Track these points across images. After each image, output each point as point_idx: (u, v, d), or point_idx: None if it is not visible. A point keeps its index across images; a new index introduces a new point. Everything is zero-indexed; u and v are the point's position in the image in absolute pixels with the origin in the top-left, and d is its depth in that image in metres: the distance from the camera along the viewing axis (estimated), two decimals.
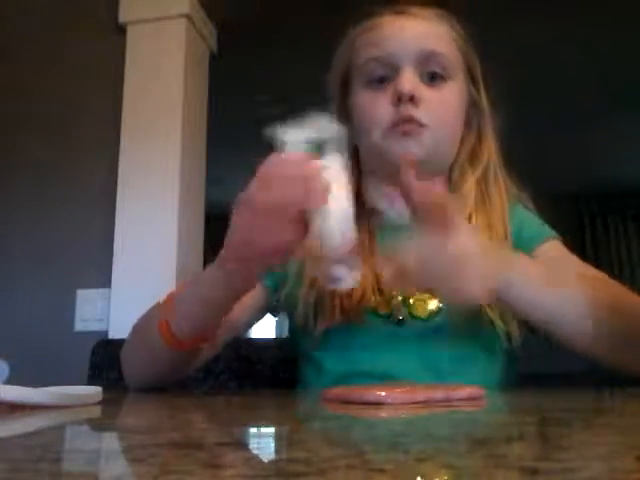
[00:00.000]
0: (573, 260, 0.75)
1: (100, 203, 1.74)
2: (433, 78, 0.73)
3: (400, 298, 0.72)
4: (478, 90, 0.80)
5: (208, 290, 0.63)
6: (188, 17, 1.80)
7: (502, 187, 0.78)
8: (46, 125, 1.84)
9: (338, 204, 0.52)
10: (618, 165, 4.10)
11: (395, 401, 0.45)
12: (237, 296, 0.64)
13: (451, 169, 0.79)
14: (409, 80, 0.71)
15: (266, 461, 0.22)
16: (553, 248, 0.76)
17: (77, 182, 1.77)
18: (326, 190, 0.52)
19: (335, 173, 0.54)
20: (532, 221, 0.79)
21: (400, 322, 0.71)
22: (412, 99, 0.71)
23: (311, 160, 0.53)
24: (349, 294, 0.70)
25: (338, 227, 0.52)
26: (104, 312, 1.65)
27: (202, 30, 1.91)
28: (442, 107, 0.74)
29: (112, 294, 1.65)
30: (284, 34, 2.37)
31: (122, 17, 1.82)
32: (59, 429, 0.36)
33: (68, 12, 1.90)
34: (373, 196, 0.78)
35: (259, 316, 0.81)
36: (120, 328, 1.61)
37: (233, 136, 3.37)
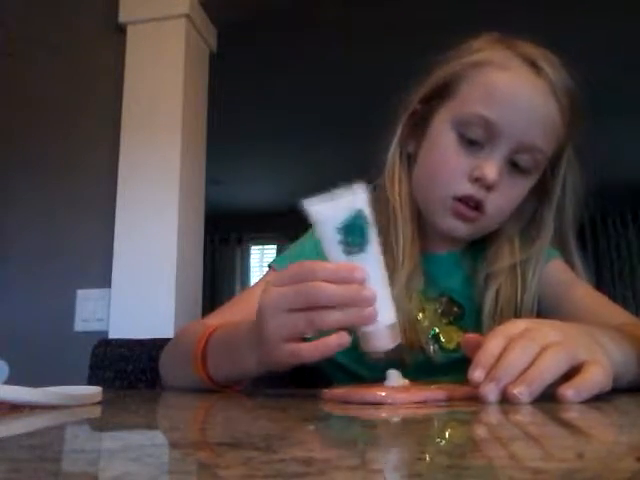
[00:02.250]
0: (576, 280, 0.76)
1: (100, 203, 1.74)
2: (515, 166, 0.70)
3: (432, 334, 0.74)
4: (554, 172, 0.75)
5: (240, 361, 0.58)
6: (188, 17, 1.80)
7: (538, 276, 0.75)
8: (46, 125, 1.84)
9: (383, 304, 0.49)
10: (618, 165, 4.10)
11: (395, 401, 0.45)
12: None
13: (489, 242, 0.77)
14: (496, 171, 0.68)
15: (266, 461, 0.22)
16: (557, 267, 0.77)
17: (77, 182, 1.77)
18: (373, 310, 0.47)
19: (374, 262, 0.49)
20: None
21: (429, 354, 0.73)
22: (489, 187, 0.69)
23: (355, 271, 0.48)
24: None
25: (385, 331, 0.49)
26: (104, 312, 1.65)
27: (202, 30, 1.91)
28: (510, 202, 0.72)
29: (112, 294, 1.65)
30: (284, 34, 2.37)
31: (122, 17, 1.82)
32: (59, 429, 0.36)
33: (68, 12, 1.90)
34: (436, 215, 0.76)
35: None
36: (120, 328, 1.61)
37: (233, 136, 3.37)
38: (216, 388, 0.63)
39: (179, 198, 1.68)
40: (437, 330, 0.74)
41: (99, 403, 0.49)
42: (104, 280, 1.67)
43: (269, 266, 0.82)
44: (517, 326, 0.47)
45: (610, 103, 3.10)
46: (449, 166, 0.70)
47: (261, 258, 5.47)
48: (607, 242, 4.78)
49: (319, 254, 0.76)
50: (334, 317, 0.47)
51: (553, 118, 0.69)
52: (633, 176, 4.30)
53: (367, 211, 0.49)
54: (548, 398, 0.43)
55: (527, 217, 0.77)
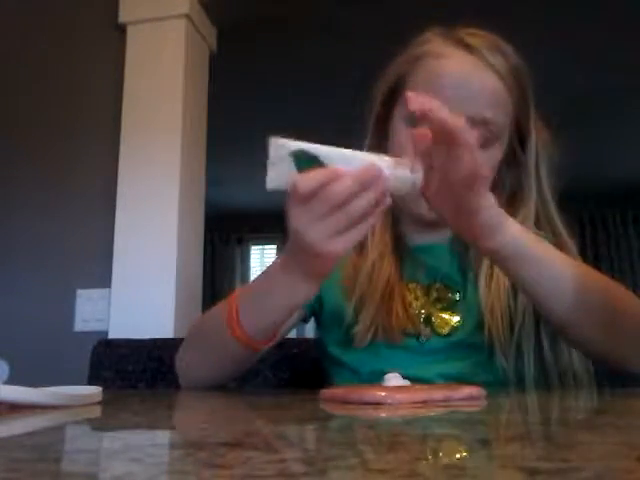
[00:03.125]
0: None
1: (100, 203, 1.74)
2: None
3: (423, 317, 0.76)
4: (524, 142, 0.78)
5: (277, 300, 0.63)
6: (188, 17, 1.80)
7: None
8: (46, 125, 1.84)
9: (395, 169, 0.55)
10: (618, 165, 4.10)
11: (395, 401, 0.45)
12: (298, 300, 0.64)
13: None
14: None
15: (266, 461, 0.22)
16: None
17: (77, 182, 1.78)
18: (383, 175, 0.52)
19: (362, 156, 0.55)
20: None
21: (424, 340, 0.75)
22: None
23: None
24: (389, 317, 0.73)
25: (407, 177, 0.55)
26: (104, 312, 1.66)
27: (202, 30, 1.91)
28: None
29: (112, 294, 1.65)
30: (284, 34, 2.37)
31: (122, 17, 1.82)
32: (59, 429, 0.36)
33: (68, 12, 1.90)
34: (402, 224, 0.81)
35: (297, 323, 0.83)
36: (120, 328, 1.61)
37: (233, 136, 3.37)
38: (253, 348, 0.65)
39: (179, 198, 1.68)
40: (430, 314, 0.76)
41: (99, 403, 0.49)
42: (104, 280, 1.67)
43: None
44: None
45: (610, 104, 3.10)
46: (407, 153, 0.72)
47: (261, 258, 5.46)
48: (607, 242, 4.78)
49: None
50: (360, 202, 0.51)
51: (494, 89, 0.72)
52: (633, 176, 4.30)
53: (300, 147, 0.53)
54: (548, 398, 0.43)
55: (508, 192, 0.79)
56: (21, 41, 1.93)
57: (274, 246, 5.32)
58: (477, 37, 0.74)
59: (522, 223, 0.74)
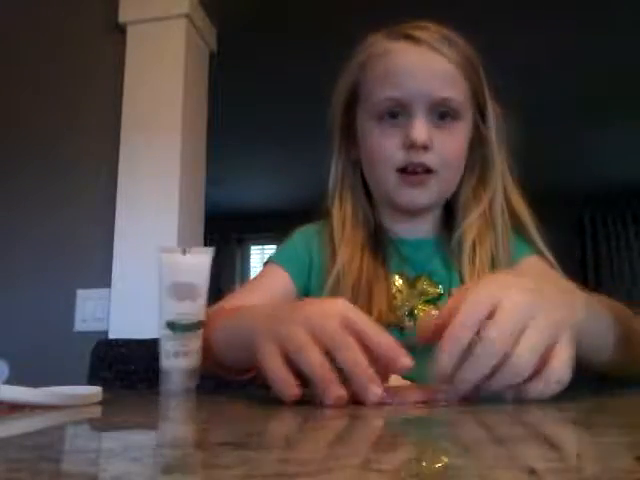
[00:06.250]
0: (556, 274, 0.77)
1: (100, 203, 1.74)
2: (443, 116, 0.74)
3: (407, 310, 0.76)
4: (484, 119, 0.79)
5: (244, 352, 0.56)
6: (188, 17, 1.80)
7: (507, 214, 0.79)
8: (46, 125, 1.84)
9: None
10: (618, 165, 4.10)
11: (395, 401, 0.45)
12: None
13: (455, 202, 0.81)
14: (422, 129, 0.72)
15: (266, 461, 0.22)
16: (537, 261, 0.78)
17: (77, 182, 1.78)
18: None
19: None
20: (522, 243, 0.81)
21: (406, 332, 0.75)
22: (425, 147, 0.73)
23: None
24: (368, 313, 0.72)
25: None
26: (104, 312, 1.66)
27: (202, 30, 1.91)
28: (451, 151, 0.75)
29: (112, 294, 1.65)
30: (284, 34, 2.37)
31: (122, 17, 1.82)
32: (59, 429, 0.36)
33: (68, 12, 1.90)
34: (386, 220, 0.82)
35: None
36: (120, 328, 1.61)
37: (233, 136, 3.37)
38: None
39: (179, 198, 1.68)
40: (413, 307, 0.76)
41: (99, 403, 0.49)
42: (104, 280, 1.67)
43: (267, 261, 0.84)
44: (484, 303, 0.43)
45: (610, 104, 3.10)
46: (381, 146, 0.75)
47: (261, 258, 5.46)
48: (607, 242, 4.78)
49: (307, 244, 0.81)
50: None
51: (445, 71, 0.74)
52: (633, 176, 4.30)
53: None
54: (548, 398, 0.42)
55: (478, 171, 0.81)
56: (21, 41, 1.93)
57: (274, 246, 5.31)
58: (424, 30, 0.75)
59: (491, 207, 0.78)
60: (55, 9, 1.91)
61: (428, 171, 0.74)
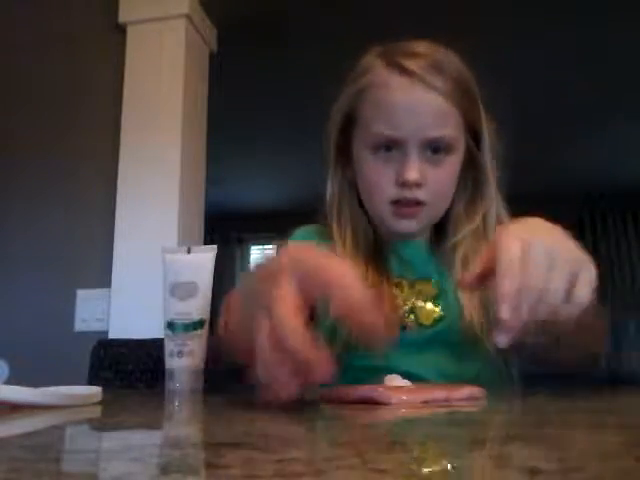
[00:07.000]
0: None
1: (100, 203, 1.74)
2: (436, 150, 0.76)
3: (407, 308, 0.78)
4: (478, 141, 0.81)
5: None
6: (188, 17, 1.80)
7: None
8: (46, 125, 1.84)
9: None
10: (618, 165, 4.10)
11: (395, 401, 0.45)
12: None
13: (446, 217, 0.83)
14: (415, 169, 0.74)
15: (266, 461, 0.22)
16: None
17: (77, 182, 1.78)
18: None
19: None
20: None
21: (407, 330, 0.77)
22: (417, 185, 0.75)
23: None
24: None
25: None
26: (104, 312, 1.66)
27: (202, 30, 1.91)
28: (444, 184, 0.78)
29: (112, 294, 1.65)
30: (284, 34, 2.37)
31: (122, 17, 1.82)
32: (59, 429, 0.36)
33: (68, 12, 1.90)
34: (383, 231, 0.83)
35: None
36: (120, 328, 1.61)
37: (233, 136, 3.37)
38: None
39: (179, 198, 1.68)
40: (414, 306, 0.78)
41: (99, 403, 0.49)
42: (104, 280, 1.67)
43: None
44: (517, 247, 0.50)
45: (610, 104, 3.10)
46: (375, 181, 0.78)
47: (261, 258, 5.46)
48: (607, 242, 4.78)
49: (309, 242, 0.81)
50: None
51: (439, 108, 0.75)
52: (633, 176, 4.30)
53: None
54: (548, 398, 0.42)
55: (470, 189, 0.83)
56: (21, 41, 1.93)
57: (274, 246, 5.31)
58: (416, 59, 0.76)
59: (485, 220, 0.81)
60: (55, 9, 1.91)
61: (419, 203, 0.77)
